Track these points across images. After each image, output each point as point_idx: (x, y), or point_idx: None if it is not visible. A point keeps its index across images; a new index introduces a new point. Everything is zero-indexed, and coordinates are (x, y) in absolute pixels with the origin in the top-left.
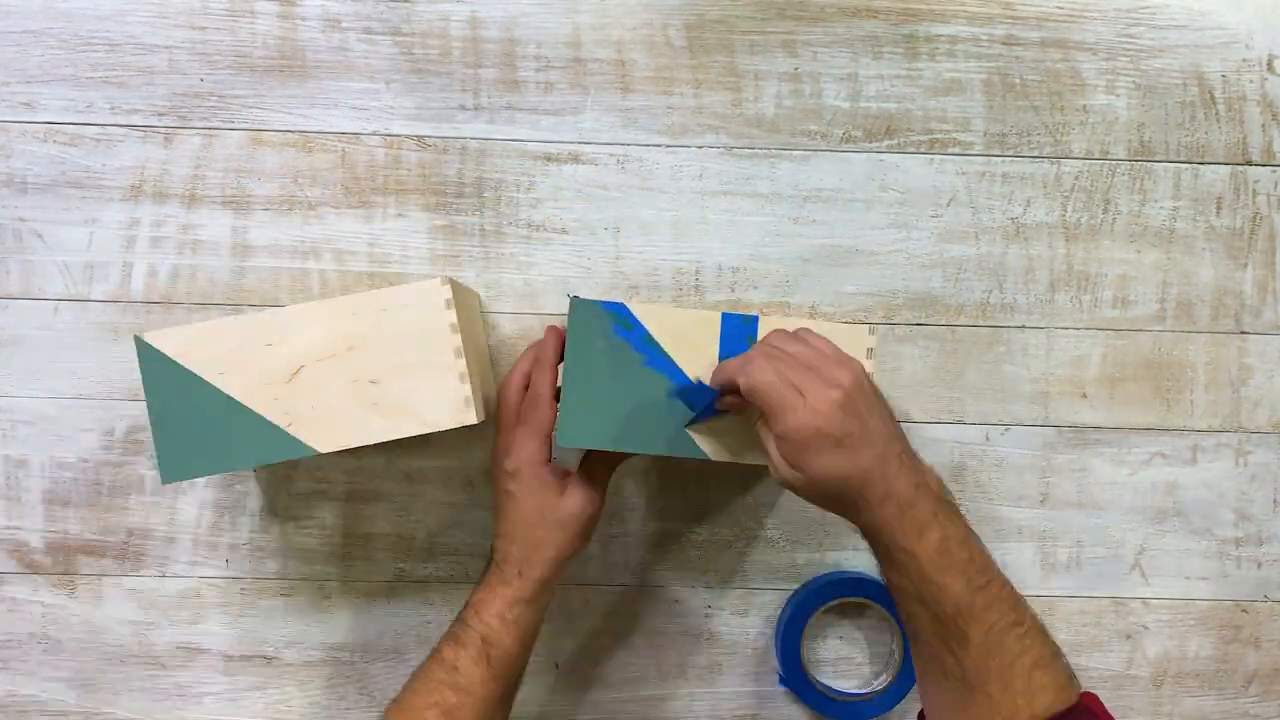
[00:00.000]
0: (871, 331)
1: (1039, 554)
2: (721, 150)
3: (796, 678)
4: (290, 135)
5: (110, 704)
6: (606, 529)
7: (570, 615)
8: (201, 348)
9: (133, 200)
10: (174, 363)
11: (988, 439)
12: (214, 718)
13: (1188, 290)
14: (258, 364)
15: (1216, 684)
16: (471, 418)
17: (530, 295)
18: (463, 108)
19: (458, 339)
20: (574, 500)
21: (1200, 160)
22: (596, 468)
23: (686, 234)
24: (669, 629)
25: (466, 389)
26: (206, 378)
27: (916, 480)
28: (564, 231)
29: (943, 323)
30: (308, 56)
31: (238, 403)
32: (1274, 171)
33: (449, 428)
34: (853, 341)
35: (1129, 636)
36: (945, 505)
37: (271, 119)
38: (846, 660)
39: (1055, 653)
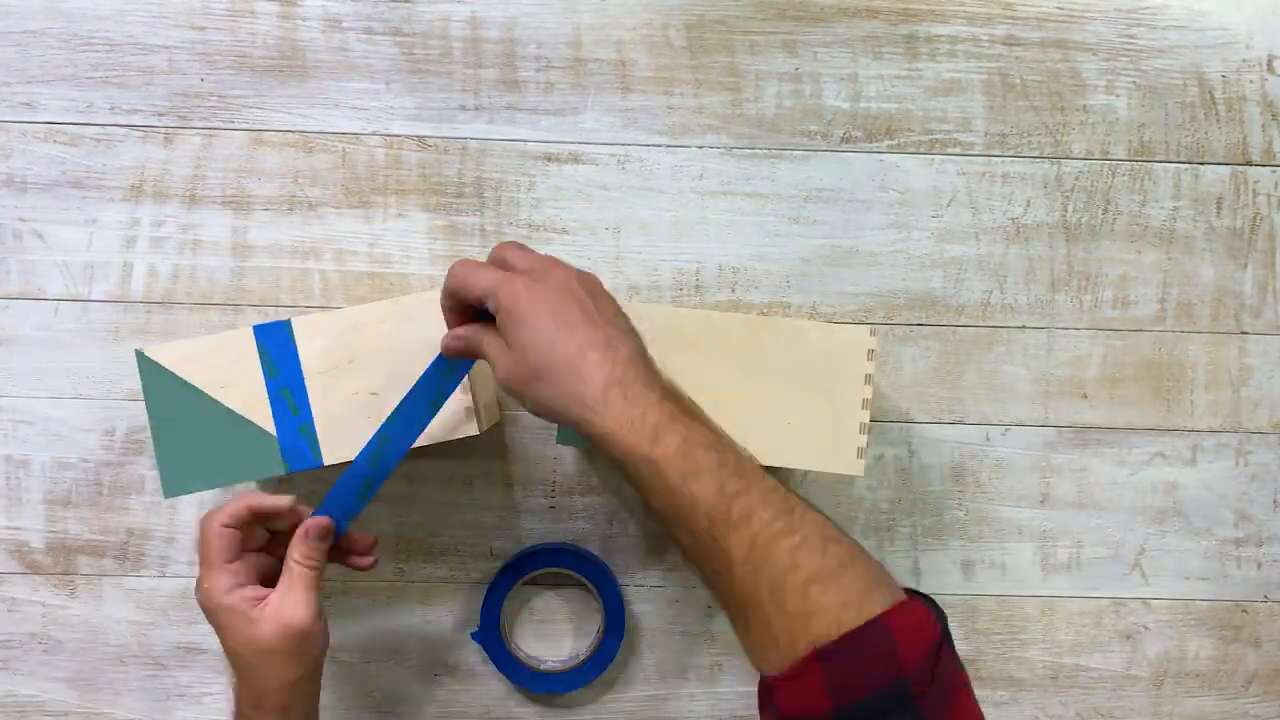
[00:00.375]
0: (873, 333)
1: (1039, 554)
2: (722, 150)
3: (496, 649)
4: (290, 135)
5: (110, 704)
6: (606, 529)
7: (570, 615)
8: (202, 361)
9: (133, 200)
10: (175, 376)
11: (988, 439)
12: (214, 718)
13: (1188, 290)
14: (259, 377)
15: (1216, 684)
16: (473, 429)
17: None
18: (463, 108)
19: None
20: (271, 626)
21: (1200, 160)
22: (292, 578)
23: (686, 234)
24: (669, 629)
25: (468, 399)
26: (208, 391)
27: (640, 382)
28: (564, 232)
29: (943, 323)
30: (308, 56)
31: (239, 416)
32: (1274, 171)
33: (450, 439)
34: (853, 343)
35: (1129, 637)
36: (683, 408)
37: (272, 119)
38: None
39: (844, 562)
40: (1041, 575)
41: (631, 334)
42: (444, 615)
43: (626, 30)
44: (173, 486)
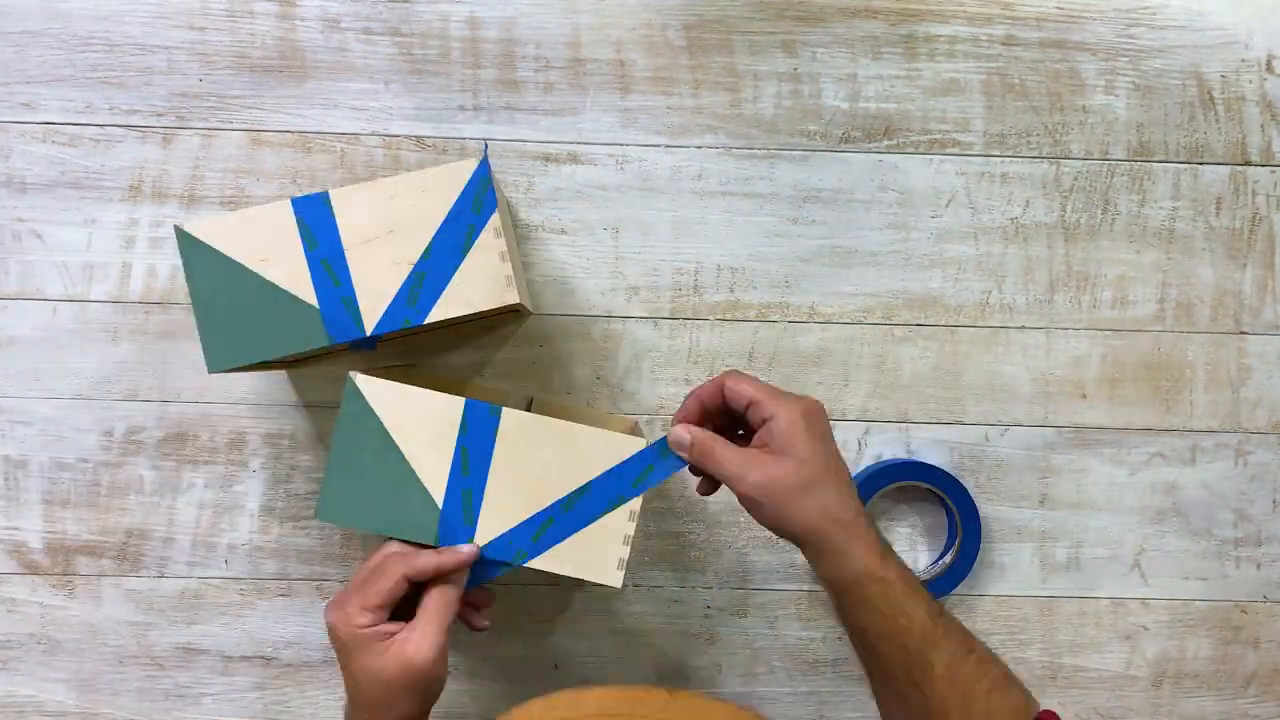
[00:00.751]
0: (636, 430)
1: (1038, 554)
2: (721, 150)
3: None
4: (289, 135)
5: (109, 704)
6: None
7: (570, 615)
8: (241, 235)
9: (132, 200)
10: (215, 251)
11: (988, 439)
12: (213, 718)
13: (1187, 290)
14: (299, 250)
15: (1215, 684)
16: (514, 296)
17: (530, 296)
18: (462, 108)
19: (497, 219)
20: (397, 660)
21: (1200, 160)
22: (427, 618)
23: (685, 234)
24: (669, 629)
25: (507, 268)
26: (249, 265)
27: (869, 515)
28: (563, 232)
29: (942, 323)
30: (307, 57)
31: (280, 289)
32: (1273, 171)
33: (491, 307)
34: (625, 447)
35: (1128, 637)
36: (886, 542)
37: (270, 119)
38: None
39: (1009, 675)
40: (1041, 575)
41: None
42: None
43: (625, 30)
44: (217, 360)
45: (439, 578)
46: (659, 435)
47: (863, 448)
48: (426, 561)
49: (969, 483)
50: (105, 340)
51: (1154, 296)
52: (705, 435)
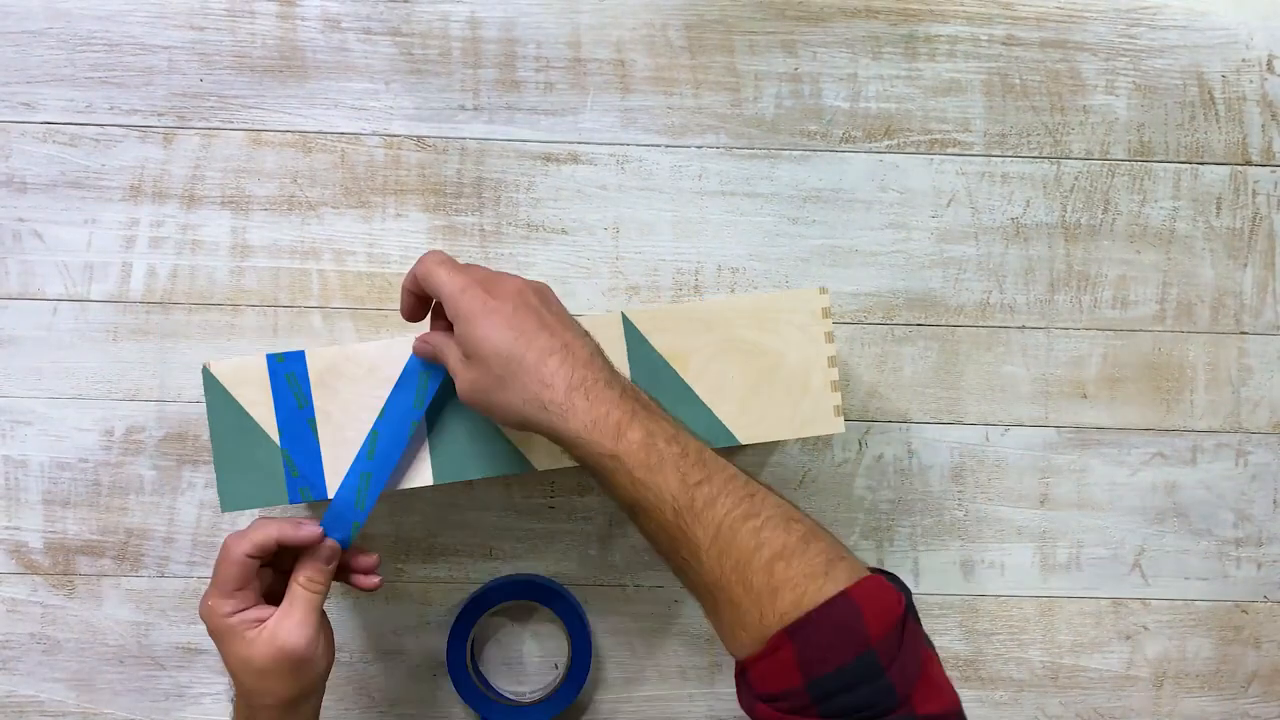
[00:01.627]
0: (823, 291)
1: (1039, 554)
2: (721, 150)
3: (464, 682)
4: (289, 135)
5: (109, 704)
6: (606, 530)
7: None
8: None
9: (132, 200)
10: (232, 398)
11: (988, 439)
12: (213, 719)
13: (1188, 290)
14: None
15: (1216, 685)
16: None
17: None
18: (462, 108)
19: None
20: (267, 647)
21: (1200, 160)
22: (293, 599)
23: (686, 234)
24: (669, 629)
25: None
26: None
27: (600, 381)
28: (563, 232)
29: (942, 323)
30: (307, 57)
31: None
32: (1274, 171)
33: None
34: (807, 303)
35: (1129, 637)
36: (643, 404)
37: (271, 119)
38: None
39: (806, 537)
40: (1041, 575)
41: (587, 336)
42: (444, 615)
43: (626, 30)
44: (230, 501)
45: (306, 555)
46: None
47: (863, 448)
48: (265, 534)
49: (967, 481)
50: (106, 340)
51: (1154, 296)
52: (438, 339)
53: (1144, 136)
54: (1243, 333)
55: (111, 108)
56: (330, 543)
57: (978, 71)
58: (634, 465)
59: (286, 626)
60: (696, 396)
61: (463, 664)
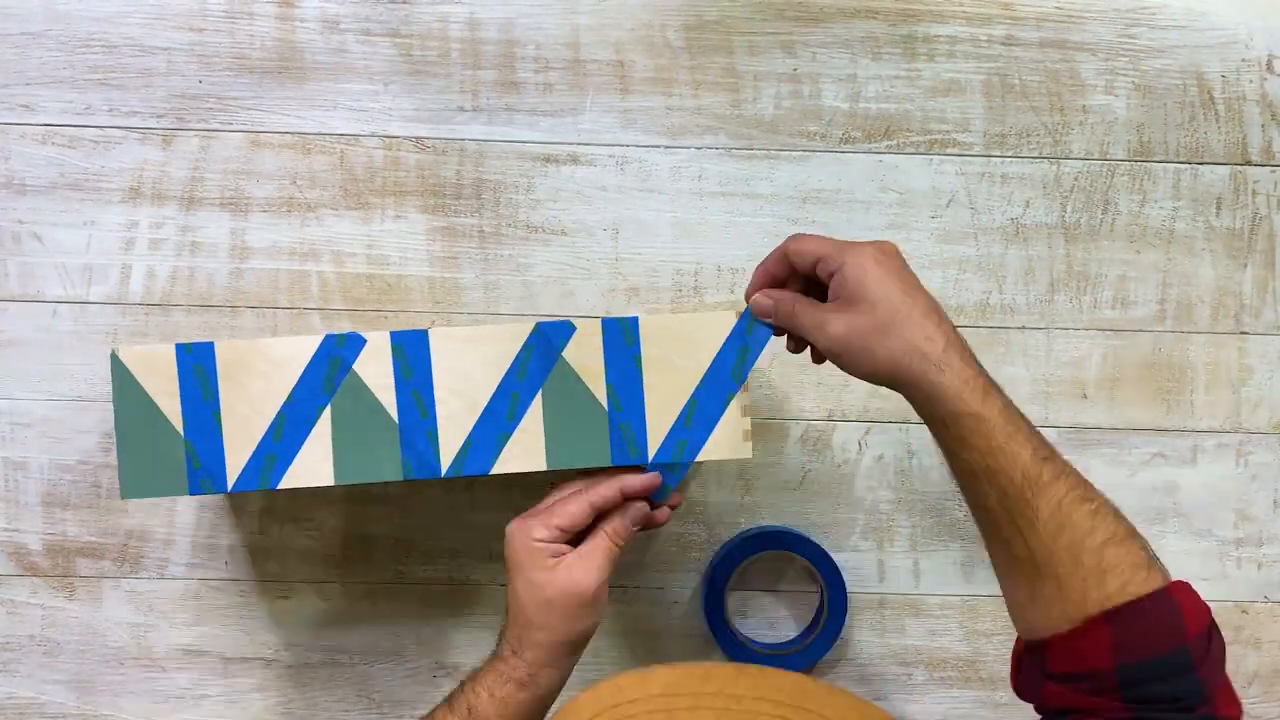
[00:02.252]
0: (737, 315)
1: None
2: (721, 151)
3: (722, 631)
4: (288, 137)
5: (109, 706)
6: None
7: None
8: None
9: (131, 202)
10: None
11: None
12: None
13: (1188, 290)
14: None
15: None
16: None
17: (529, 297)
18: (461, 109)
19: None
20: (562, 578)
21: (1200, 160)
22: (596, 544)
23: (686, 235)
24: (669, 629)
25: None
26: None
27: (967, 349)
28: (563, 233)
29: None
30: (306, 58)
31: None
32: (1274, 171)
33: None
34: (719, 327)
35: None
36: (992, 379)
37: (270, 121)
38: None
39: (1131, 532)
40: None
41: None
42: (444, 615)
43: (625, 31)
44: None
45: (618, 510)
46: None
47: (863, 448)
48: (610, 490)
49: None
50: (105, 342)
51: (1154, 296)
52: (786, 295)
53: (1143, 136)
54: (1243, 333)
55: (110, 109)
56: (642, 506)
57: (977, 72)
58: (995, 428)
59: (584, 566)
60: (606, 412)
61: (721, 616)
